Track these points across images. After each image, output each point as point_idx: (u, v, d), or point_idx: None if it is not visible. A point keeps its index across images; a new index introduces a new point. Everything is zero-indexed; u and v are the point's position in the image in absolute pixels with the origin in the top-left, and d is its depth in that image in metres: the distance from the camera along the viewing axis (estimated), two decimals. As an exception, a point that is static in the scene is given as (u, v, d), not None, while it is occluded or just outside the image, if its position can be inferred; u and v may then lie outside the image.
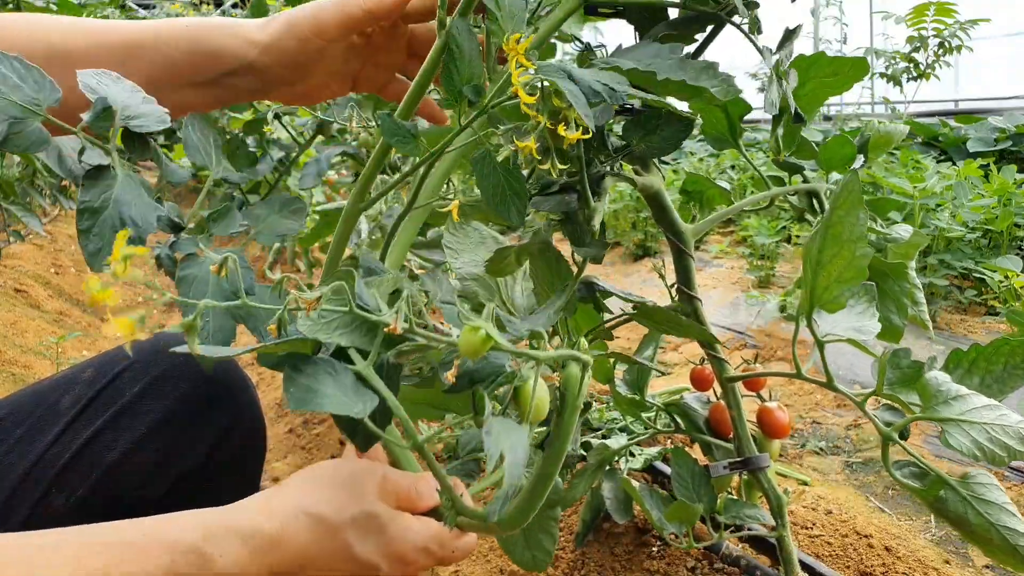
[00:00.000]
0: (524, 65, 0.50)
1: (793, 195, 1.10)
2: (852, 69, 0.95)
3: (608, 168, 0.83)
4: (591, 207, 0.83)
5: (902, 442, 0.86)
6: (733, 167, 4.44)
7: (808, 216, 1.10)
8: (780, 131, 1.04)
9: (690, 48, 0.84)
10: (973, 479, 0.81)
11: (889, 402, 0.90)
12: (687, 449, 1.46)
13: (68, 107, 0.60)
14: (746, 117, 1.07)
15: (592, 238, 0.85)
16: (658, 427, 1.30)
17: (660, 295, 1.19)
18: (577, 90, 0.52)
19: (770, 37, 0.88)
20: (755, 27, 0.82)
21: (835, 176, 1.10)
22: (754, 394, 1.20)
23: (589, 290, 1.05)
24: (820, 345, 0.88)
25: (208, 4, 5.06)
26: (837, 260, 0.80)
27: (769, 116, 0.93)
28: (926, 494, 0.83)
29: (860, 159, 1.09)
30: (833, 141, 1.07)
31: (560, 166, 0.85)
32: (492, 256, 0.92)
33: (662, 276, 1.08)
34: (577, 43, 0.88)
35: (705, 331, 0.96)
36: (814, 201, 1.10)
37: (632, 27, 0.90)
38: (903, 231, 1.06)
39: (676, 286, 1.05)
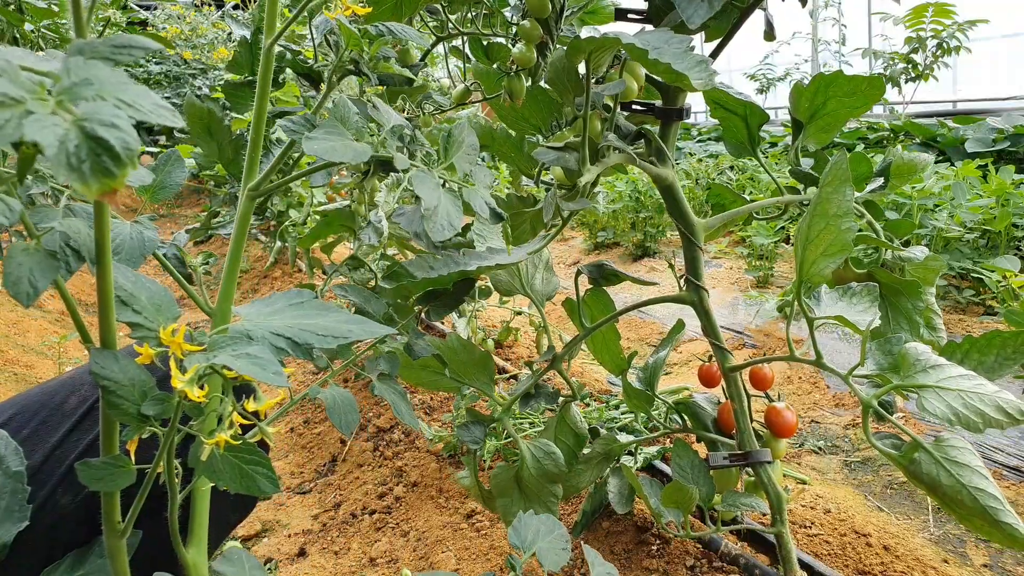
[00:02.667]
0: (188, 351, 0.47)
1: (807, 203, 1.12)
2: (869, 88, 0.99)
3: (614, 144, 0.89)
4: (585, 166, 0.88)
5: (881, 409, 0.88)
6: (732, 168, 4.46)
7: None
8: (799, 144, 1.08)
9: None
10: (946, 442, 0.83)
11: (875, 381, 0.92)
12: (688, 444, 1.46)
13: None
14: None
15: (578, 193, 0.91)
16: (666, 425, 1.31)
17: (659, 292, 1.20)
18: (260, 351, 0.47)
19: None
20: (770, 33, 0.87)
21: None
22: (762, 394, 1.22)
23: (600, 272, 1.09)
24: (810, 323, 0.90)
25: (209, 6, 5.07)
26: (824, 235, 0.83)
27: (773, 118, 0.97)
28: (902, 459, 0.85)
29: (879, 180, 1.12)
30: (852, 158, 1.10)
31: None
32: (510, 221, 0.98)
33: (671, 266, 1.12)
34: None
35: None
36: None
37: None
38: (918, 252, 1.09)
39: (684, 276, 1.08)
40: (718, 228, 1.12)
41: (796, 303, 0.89)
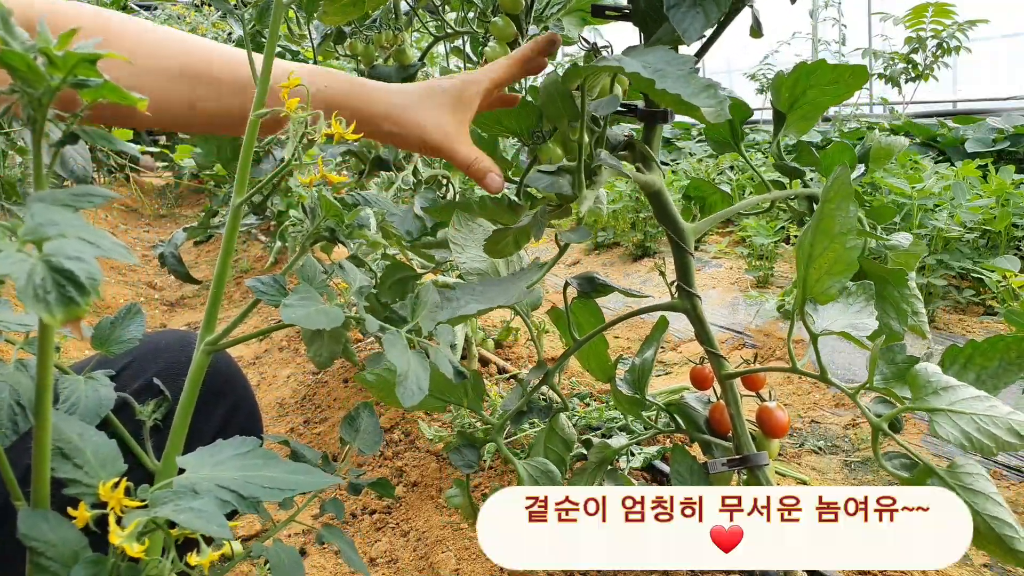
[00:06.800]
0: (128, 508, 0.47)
1: (793, 199, 1.11)
2: (852, 77, 0.96)
3: (607, 162, 0.84)
4: (582, 192, 0.84)
5: (892, 432, 0.86)
6: (732, 167, 4.46)
7: (807, 220, 1.11)
8: (780, 136, 1.06)
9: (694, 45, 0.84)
10: (960, 468, 0.81)
11: (882, 395, 0.91)
12: (687, 448, 1.46)
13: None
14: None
15: (578, 223, 0.87)
16: (659, 427, 1.31)
17: (660, 294, 1.19)
18: (205, 505, 0.48)
19: (772, 36, 0.90)
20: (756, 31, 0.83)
21: (836, 182, 1.11)
22: (754, 394, 1.21)
23: (590, 285, 1.05)
24: (814, 338, 0.88)
25: (209, 6, 5.07)
26: (828, 253, 0.81)
27: (769, 117, 0.95)
28: (914, 484, 0.83)
29: (861, 168, 1.11)
30: (834, 148, 1.08)
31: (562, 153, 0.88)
32: (490, 237, 0.93)
33: (662, 273, 1.09)
34: (582, 43, 0.89)
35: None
36: (814, 205, 1.11)
37: (637, 29, 0.90)
38: (903, 239, 1.07)
39: (676, 283, 1.06)
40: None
41: (798, 317, 0.88)
